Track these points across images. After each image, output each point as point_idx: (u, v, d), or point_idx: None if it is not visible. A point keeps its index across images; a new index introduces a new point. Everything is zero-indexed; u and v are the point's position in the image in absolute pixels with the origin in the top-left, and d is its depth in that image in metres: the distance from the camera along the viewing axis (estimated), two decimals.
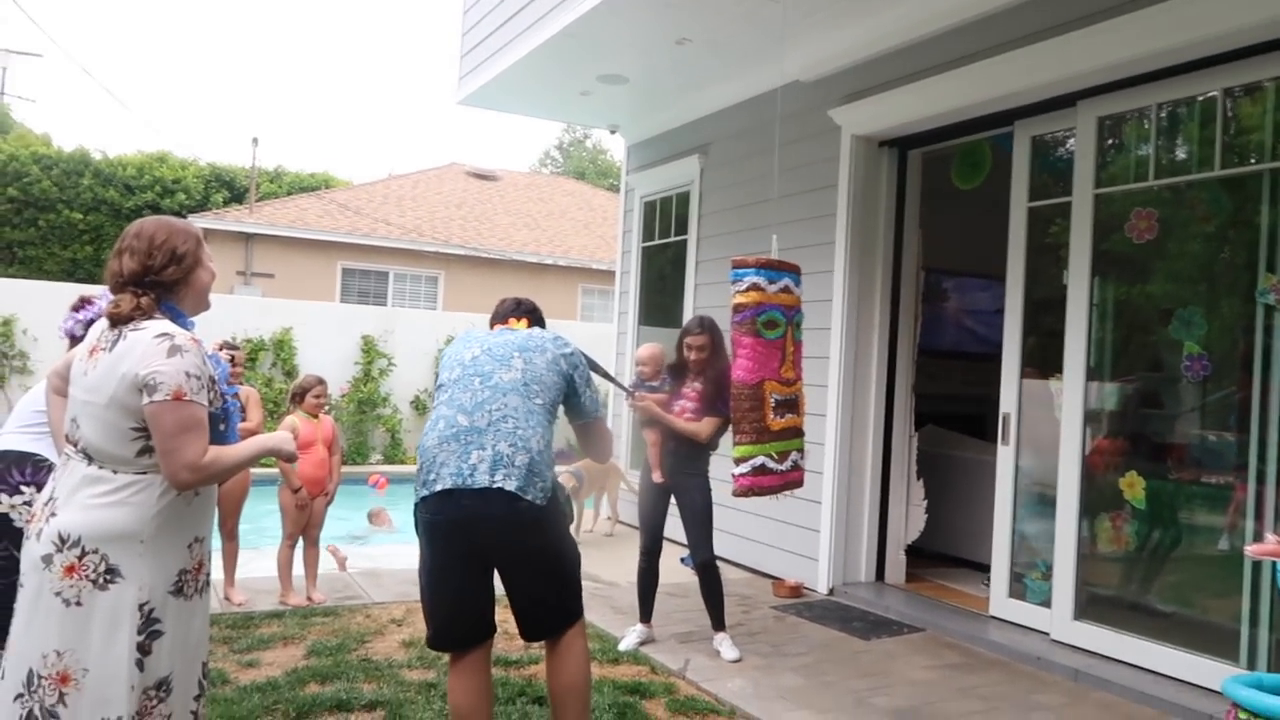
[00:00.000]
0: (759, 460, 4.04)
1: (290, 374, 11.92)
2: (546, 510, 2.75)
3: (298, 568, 5.24)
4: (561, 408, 3.00)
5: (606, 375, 3.50)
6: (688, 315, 7.36)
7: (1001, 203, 5.19)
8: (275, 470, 5.19)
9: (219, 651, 4.19)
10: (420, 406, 12.87)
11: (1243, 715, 2.62)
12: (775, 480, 4.08)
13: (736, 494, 4.12)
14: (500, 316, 3.22)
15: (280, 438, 2.38)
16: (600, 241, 19.70)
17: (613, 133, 8.60)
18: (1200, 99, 4.30)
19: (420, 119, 60.70)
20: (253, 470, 6.12)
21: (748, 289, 4.09)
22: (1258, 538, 3.90)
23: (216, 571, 5.05)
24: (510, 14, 6.83)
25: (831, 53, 5.86)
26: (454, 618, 2.82)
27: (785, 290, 4.18)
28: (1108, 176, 4.65)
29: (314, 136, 55.56)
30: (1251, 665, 3.94)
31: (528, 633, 2.88)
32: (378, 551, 7.06)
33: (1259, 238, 4.04)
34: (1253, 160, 4.12)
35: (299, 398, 5.20)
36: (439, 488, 2.72)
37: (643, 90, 7.25)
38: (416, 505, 2.80)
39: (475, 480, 2.69)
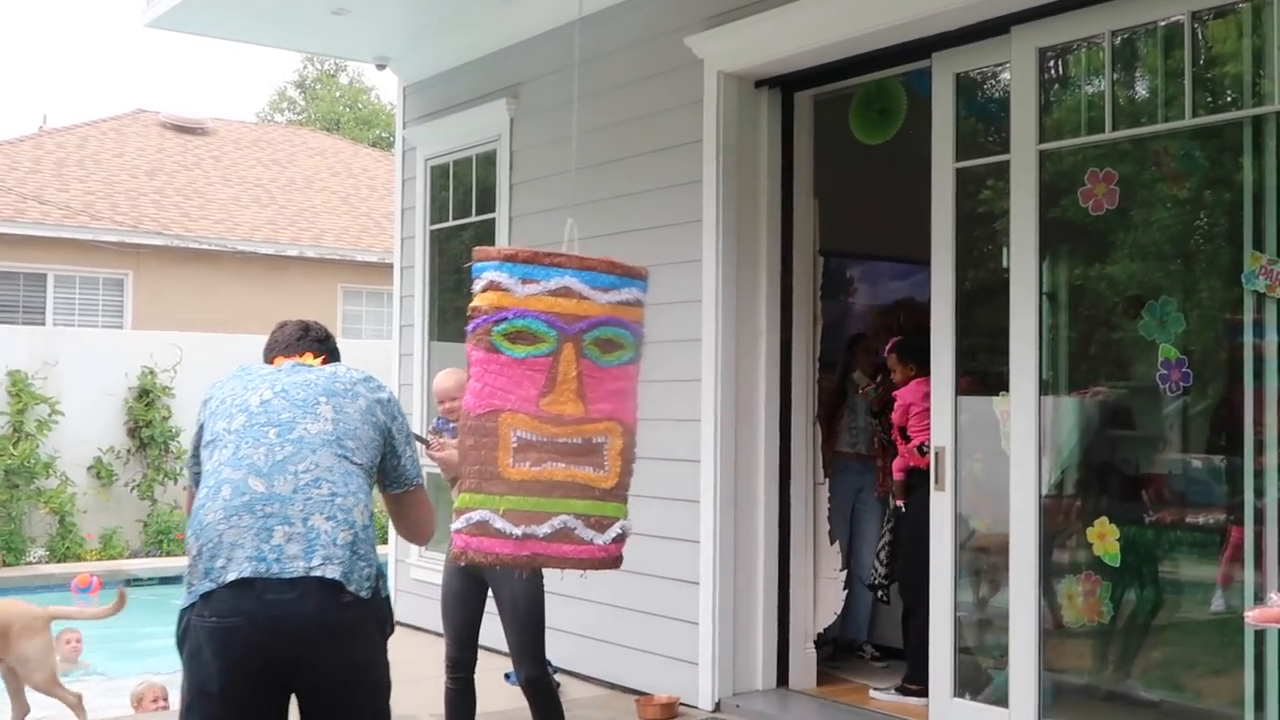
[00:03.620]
0: (480, 515, 3.99)
1: None
2: (372, 608, 2.91)
3: None
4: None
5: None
6: None
7: (921, 162, 5.46)
8: None
9: None
10: (105, 474, 12.32)
11: None
12: (506, 548, 4.10)
13: (454, 556, 4.19)
14: (281, 347, 3.32)
15: None
16: (368, 222, 19.45)
17: (381, 68, 8.51)
18: (1163, 24, 4.67)
19: (89, 47, 58.09)
20: None
21: (485, 288, 4.08)
22: (1259, 595, 4.23)
23: None
24: None
25: None
26: None
27: (561, 293, 4.21)
28: (1054, 126, 4.97)
29: None
30: None
31: None
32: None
33: (1242, 204, 4.42)
34: (1230, 102, 4.51)
35: None
36: (231, 576, 2.76)
37: (423, 7, 7.21)
38: (188, 609, 2.83)
39: (284, 567, 2.77)
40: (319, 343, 3.35)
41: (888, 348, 6.22)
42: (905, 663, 5.98)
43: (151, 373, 12.74)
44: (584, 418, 4.17)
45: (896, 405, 6.03)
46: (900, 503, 6.10)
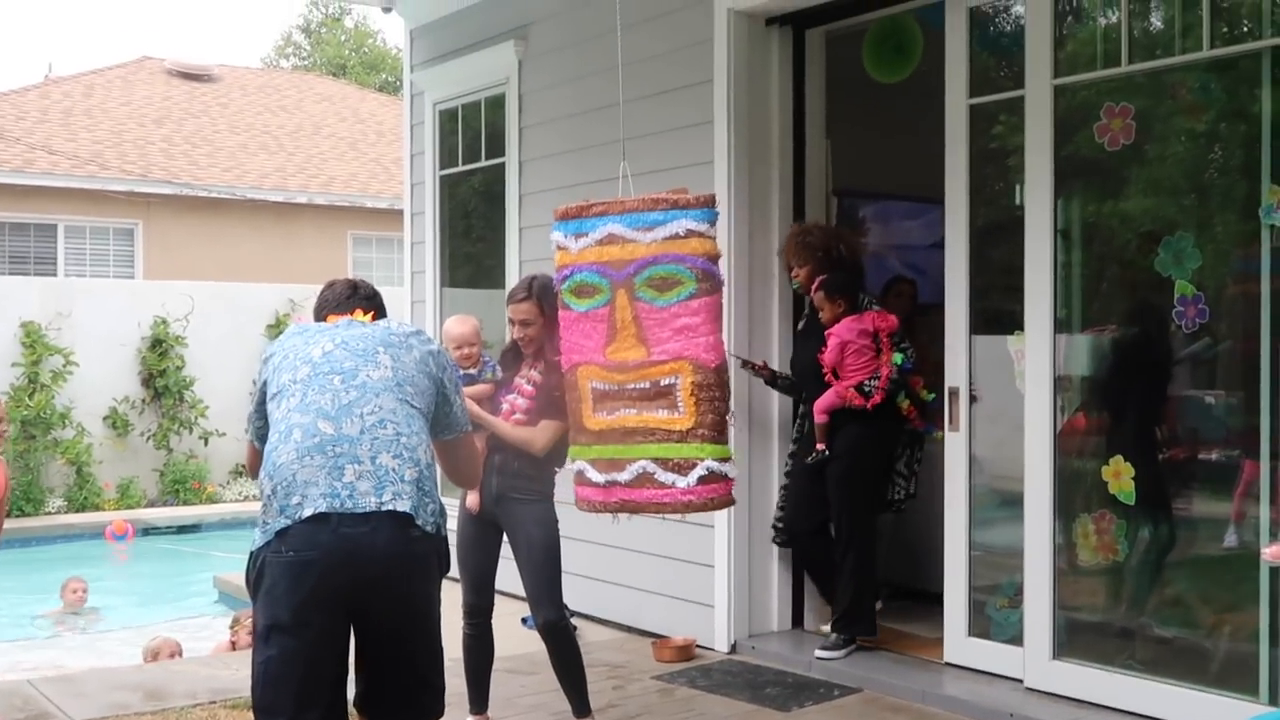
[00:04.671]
0: (577, 465, 4.35)
1: None
2: (435, 543, 3.15)
3: None
4: None
5: None
6: (511, 272, 7.37)
7: (934, 99, 5.43)
8: None
9: None
10: (120, 424, 12.42)
11: None
12: (597, 495, 4.27)
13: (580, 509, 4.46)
14: (333, 305, 3.52)
15: None
16: (377, 168, 19.43)
17: (386, 11, 8.48)
18: None
19: None
20: None
21: (556, 249, 4.37)
22: (1274, 532, 4.26)
23: None
24: None
25: None
26: (308, 703, 3.01)
27: (607, 241, 4.24)
28: (1069, 60, 4.94)
29: None
30: (1274, 698, 4.31)
31: (382, 713, 3.20)
32: (73, 642, 6.83)
33: (1259, 137, 4.39)
34: (1248, 33, 4.46)
35: None
36: (307, 512, 2.98)
37: None
38: (262, 548, 3.03)
39: (357, 502, 3.00)
40: (368, 300, 3.55)
41: (815, 285, 5.73)
42: (845, 608, 5.69)
43: (164, 322, 12.78)
44: (647, 361, 4.19)
45: (831, 344, 5.59)
46: (822, 446, 5.63)
